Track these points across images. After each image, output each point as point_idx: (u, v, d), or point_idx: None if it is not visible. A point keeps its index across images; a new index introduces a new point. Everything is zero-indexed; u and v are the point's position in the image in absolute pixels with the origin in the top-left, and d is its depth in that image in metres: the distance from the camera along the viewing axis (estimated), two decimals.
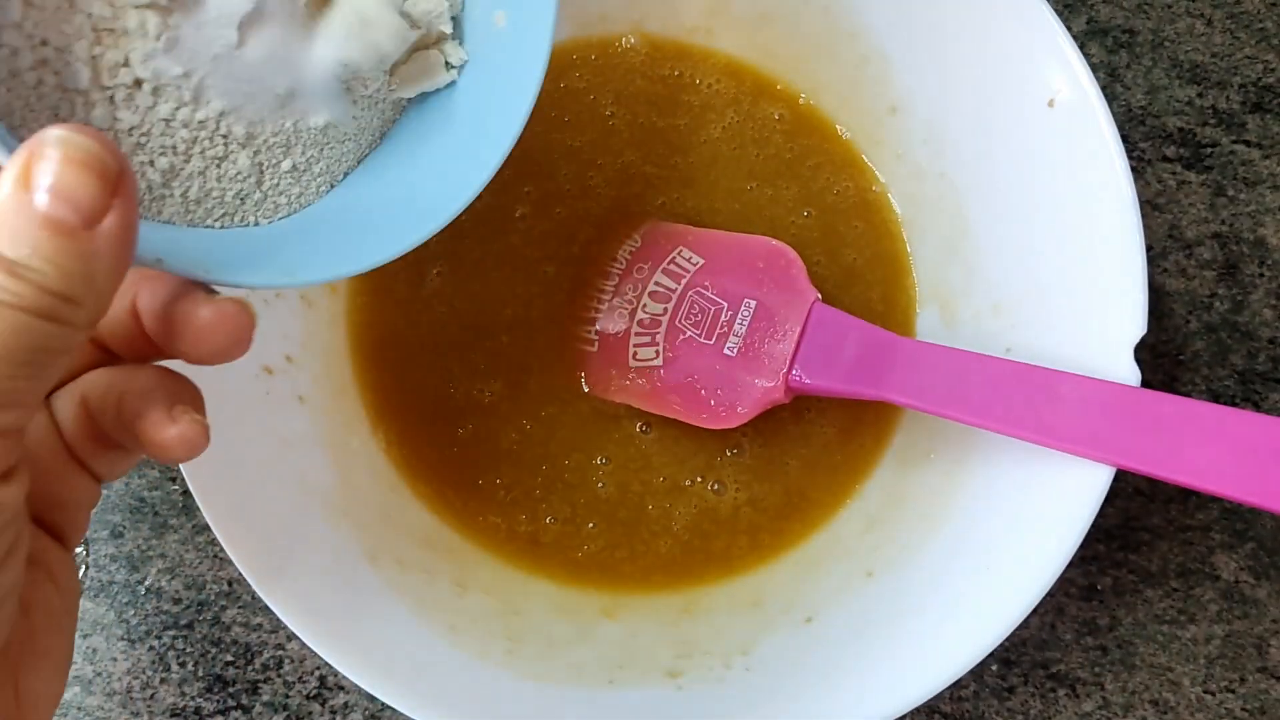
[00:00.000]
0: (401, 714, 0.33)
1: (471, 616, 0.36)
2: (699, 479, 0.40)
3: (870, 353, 0.37)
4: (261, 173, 0.28)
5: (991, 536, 0.35)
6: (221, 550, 0.40)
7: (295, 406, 0.37)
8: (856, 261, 0.42)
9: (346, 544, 0.35)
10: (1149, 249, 0.45)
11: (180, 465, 0.31)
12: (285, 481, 0.35)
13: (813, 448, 0.40)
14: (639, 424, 0.40)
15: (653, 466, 0.40)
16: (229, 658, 0.40)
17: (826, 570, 0.38)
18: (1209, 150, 0.46)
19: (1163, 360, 0.44)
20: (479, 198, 0.29)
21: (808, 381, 0.37)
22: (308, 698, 0.40)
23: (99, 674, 0.40)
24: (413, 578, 0.36)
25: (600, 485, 0.40)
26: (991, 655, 0.33)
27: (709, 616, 0.38)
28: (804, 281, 0.39)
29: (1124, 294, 0.34)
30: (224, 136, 0.27)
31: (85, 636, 0.40)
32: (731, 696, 0.35)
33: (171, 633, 0.40)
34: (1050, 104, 0.36)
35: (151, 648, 0.40)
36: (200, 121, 0.26)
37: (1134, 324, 0.33)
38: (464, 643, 0.35)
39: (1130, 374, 0.33)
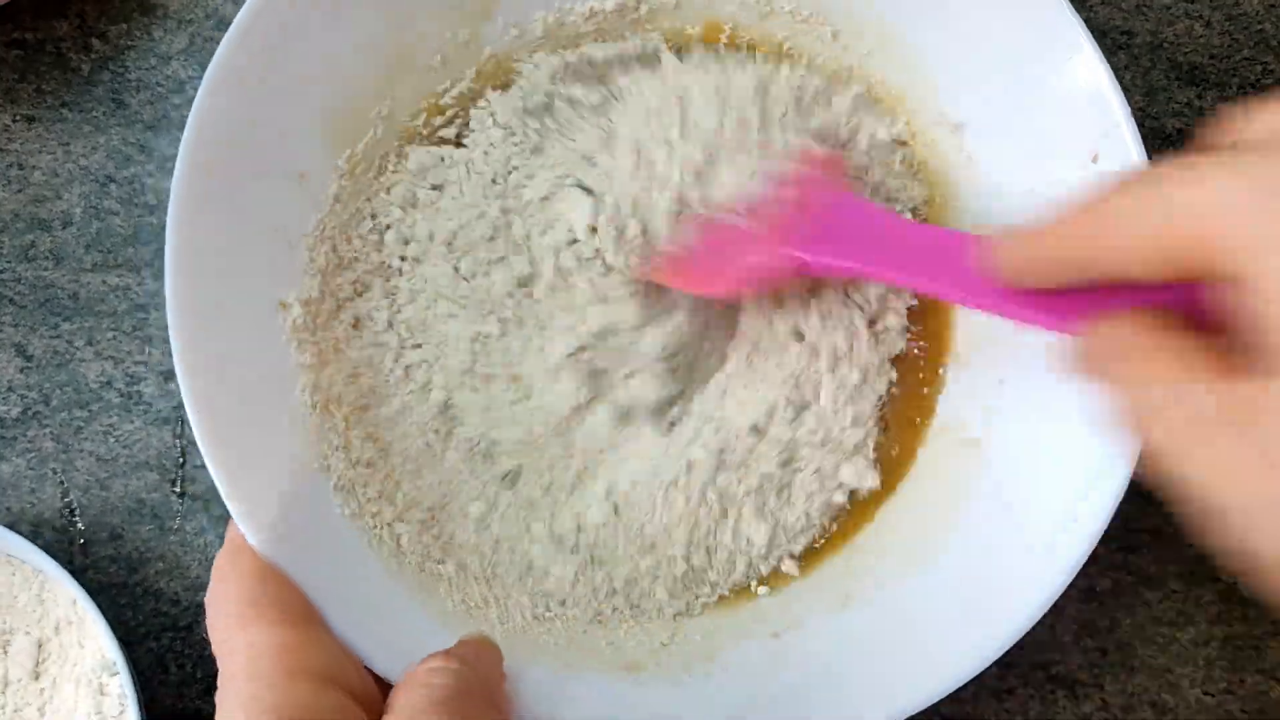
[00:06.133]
0: None
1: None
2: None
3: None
4: None
5: (996, 546, 0.35)
6: None
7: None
8: None
9: (349, 532, 0.36)
10: None
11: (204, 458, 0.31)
12: (295, 467, 0.35)
13: None
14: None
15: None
16: None
17: (829, 579, 0.38)
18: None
19: None
20: None
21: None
22: None
23: None
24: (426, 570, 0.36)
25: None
26: None
27: (709, 618, 0.38)
28: (838, 173, 0.37)
29: None
30: None
31: None
32: (731, 697, 0.35)
33: (170, 634, 0.40)
34: (1094, 159, 0.36)
35: (150, 649, 0.40)
36: None
37: None
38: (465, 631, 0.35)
39: None
